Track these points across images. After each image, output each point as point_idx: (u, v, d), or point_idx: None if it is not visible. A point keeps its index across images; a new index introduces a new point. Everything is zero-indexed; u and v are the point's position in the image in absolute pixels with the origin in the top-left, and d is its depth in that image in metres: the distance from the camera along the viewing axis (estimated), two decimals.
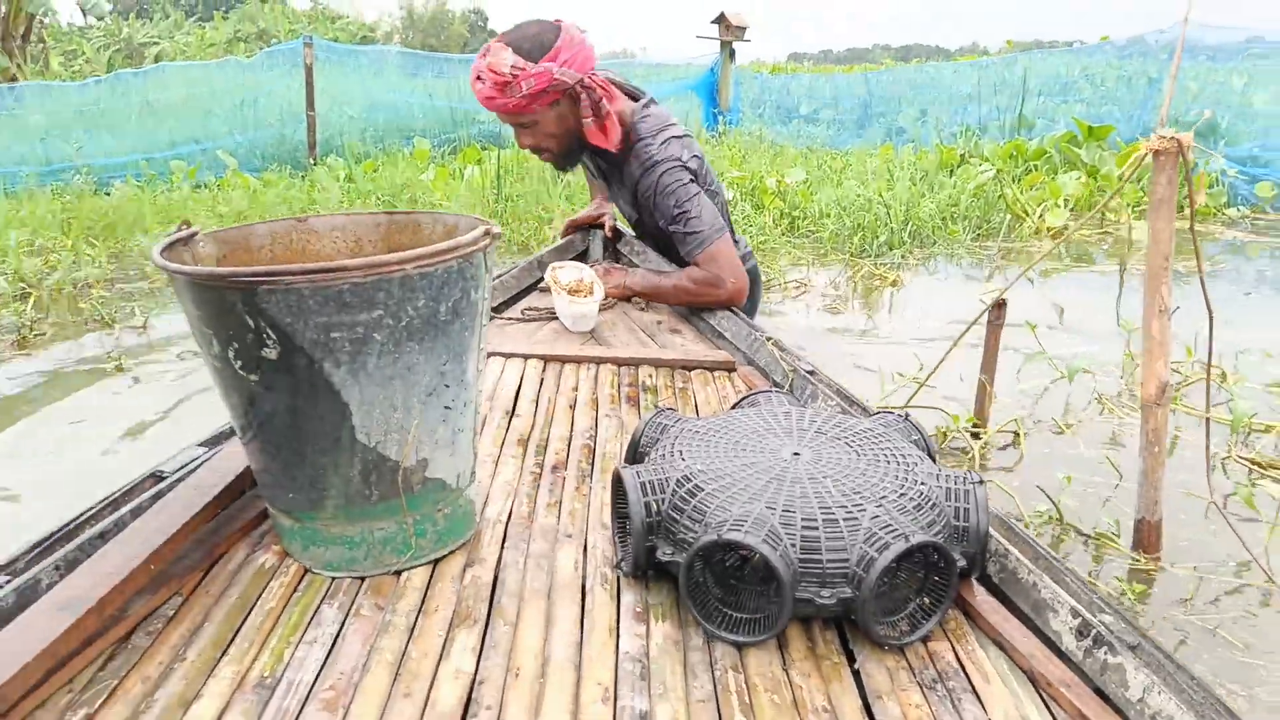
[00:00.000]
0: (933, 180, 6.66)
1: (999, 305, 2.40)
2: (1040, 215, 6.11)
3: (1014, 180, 6.94)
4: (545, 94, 2.21)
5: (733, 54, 11.01)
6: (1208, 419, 2.22)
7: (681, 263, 2.46)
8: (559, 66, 2.18)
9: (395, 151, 8.96)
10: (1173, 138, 1.62)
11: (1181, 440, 2.80)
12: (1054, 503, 2.31)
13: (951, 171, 7.13)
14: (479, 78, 2.18)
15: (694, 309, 2.44)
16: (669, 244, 2.51)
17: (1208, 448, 2.19)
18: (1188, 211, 2.03)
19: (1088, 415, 2.99)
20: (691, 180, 2.39)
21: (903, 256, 5.43)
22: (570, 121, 2.33)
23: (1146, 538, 2.03)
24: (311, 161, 8.41)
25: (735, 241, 2.59)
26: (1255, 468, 2.55)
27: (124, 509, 1.27)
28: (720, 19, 10.58)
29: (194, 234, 1.27)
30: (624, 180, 2.51)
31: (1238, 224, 6.57)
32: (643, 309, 2.49)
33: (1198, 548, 2.17)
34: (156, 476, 1.39)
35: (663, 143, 2.39)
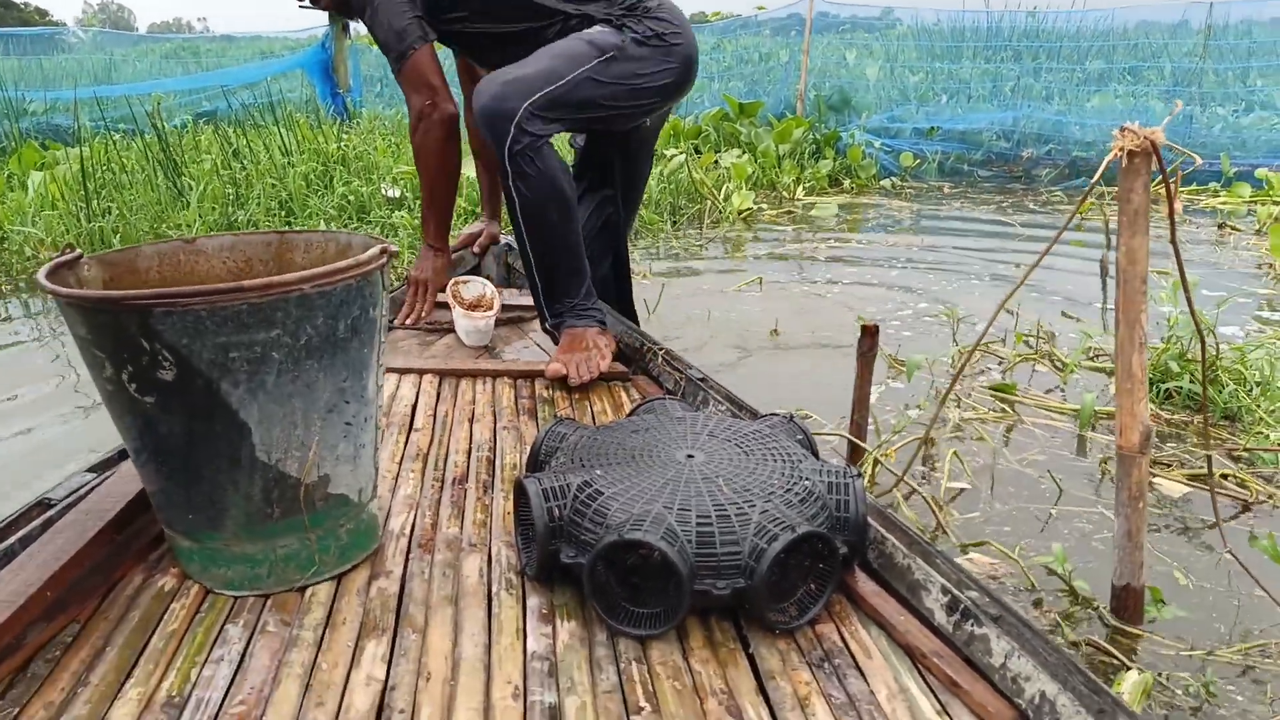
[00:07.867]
0: None
1: (871, 333, 1.96)
2: (726, 198, 5.78)
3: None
4: None
5: (346, 27, 9.44)
6: (1210, 464, 1.89)
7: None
8: None
9: None
10: (1146, 136, 1.31)
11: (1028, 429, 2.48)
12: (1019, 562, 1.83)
13: None
14: None
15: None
16: None
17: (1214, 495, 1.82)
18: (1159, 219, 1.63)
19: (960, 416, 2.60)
20: None
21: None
22: None
23: (1129, 605, 1.62)
24: None
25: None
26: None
27: (11, 539, 1.25)
28: None
29: (78, 257, 1.26)
30: None
31: (893, 194, 6.56)
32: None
33: (1182, 596, 1.74)
34: (44, 504, 1.36)
35: None
